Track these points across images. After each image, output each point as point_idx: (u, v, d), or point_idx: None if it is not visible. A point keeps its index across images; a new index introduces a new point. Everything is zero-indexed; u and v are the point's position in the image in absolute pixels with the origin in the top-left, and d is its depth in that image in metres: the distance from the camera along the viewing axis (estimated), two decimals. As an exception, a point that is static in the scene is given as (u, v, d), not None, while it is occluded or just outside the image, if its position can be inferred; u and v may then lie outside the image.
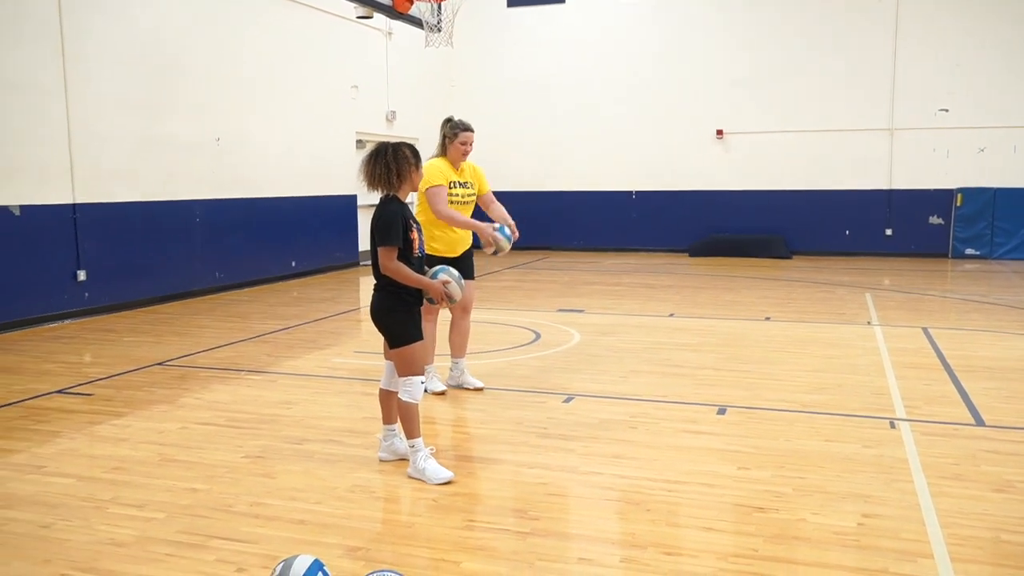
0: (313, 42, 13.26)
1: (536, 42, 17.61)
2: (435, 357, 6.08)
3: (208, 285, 11.15)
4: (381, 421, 4.57)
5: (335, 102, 13.90)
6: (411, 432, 4.28)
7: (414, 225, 4.34)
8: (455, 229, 5.72)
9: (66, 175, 9.13)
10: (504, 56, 17.80)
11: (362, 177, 4.32)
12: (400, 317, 4.27)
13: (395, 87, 15.55)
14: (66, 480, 4.29)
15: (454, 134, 5.64)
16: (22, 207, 8.66)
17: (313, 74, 13.27)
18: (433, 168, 5.59)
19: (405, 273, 4.21)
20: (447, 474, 4.22)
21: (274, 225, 12.47)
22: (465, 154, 5.68)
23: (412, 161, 4.34)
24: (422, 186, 5.44)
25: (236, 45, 11.57)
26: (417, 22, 10.64)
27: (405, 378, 4.28)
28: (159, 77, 10.29)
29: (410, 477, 4.28)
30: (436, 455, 4.39)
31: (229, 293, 11.31)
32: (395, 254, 4.19)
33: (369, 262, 4.42)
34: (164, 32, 10.37)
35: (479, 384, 6.03)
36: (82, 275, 9.30)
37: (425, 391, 5.61)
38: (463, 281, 4.60)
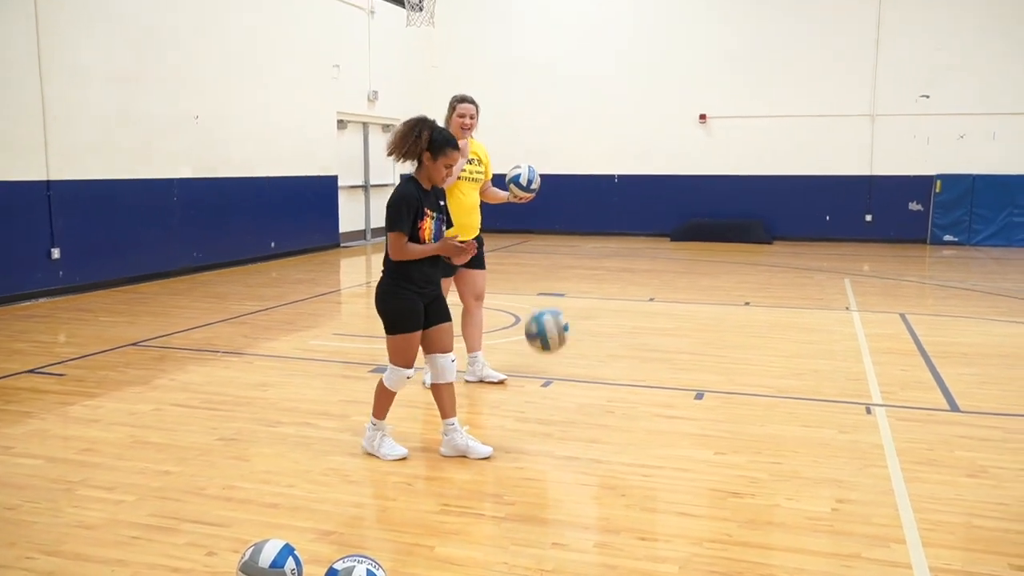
0: (294, 20, 13.08)
1: (519, 24, 17.48)
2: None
3: (185, 265, 11.03)
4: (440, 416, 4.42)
5: (316, 81, 13.74)
6: (378, 412, 4.32)
7: (430, 213, 4.16)
8: (469, 213, 5.47)
9: (40, 151, 8.96)
10: (487, 38, 17.65)
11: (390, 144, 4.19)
12: (397, 305, 4.17)
13: (377, 67, 15.39)
14: (35, 461, 4.23)
15: (452, 107, 5.52)
16: (-6, 184, 8.51)
17: (294, 53, 13.10)
18: None
19: (414, 251, 4.09)
20: (401, 451, 4.28)
21: (253, 205, 12.34)
22: (465, 127, 5.42)
23: (427, 145, 4.09)
24: None
25: (216, 21, 11.39)
26: (399, 1, 10.52)
27: (392, 366, 4.25)
28: (137, 52, 10.12)
29: (364, 451, 4.33)
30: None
31: (207, 273, 11.20)
32: (403, 239, 4.06)
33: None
34: (143, 6, 10.18)
35: (501, 376, 5.80)
36: (56, 253, 9.16)
37: (424, 384, 5.48)
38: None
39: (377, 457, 4.28)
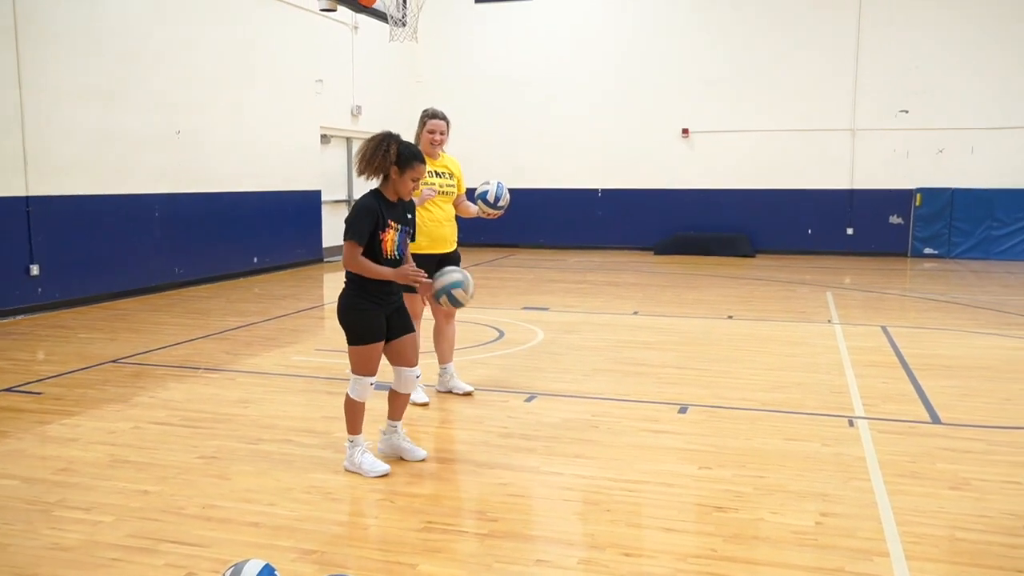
0: (277, 35, 13.07)
1: (503, 39, 17.55)
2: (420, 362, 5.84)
3: (167, 281, 10.94)
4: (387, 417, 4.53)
5: (299, 96, 13.72)
6: (351, 428, 4.30)
7: (394, 225, 4.17)
8: (440, 226, 5.48)
9: (19, 167, 8.88)
10: (471, 53, 17.71)
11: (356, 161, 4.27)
12: (358, 316, 4.18)
13: (361, 82, 15.39)
14: (10, 482, 4.16)
15: (423, 122, 5.54)
16: (-28, 200, 8.43)
17: (277, 67, 13.08)
18: None
19: (367, 267, 4.10)
20: (384, 467, 4.28)
21: (236, 220, 12.27)
22: (435, 143, 5.46)
23: (394, 159, 4.14)
24: None
25: (198, 36, 11.36)
26: (382, 16, 10.53)
27: (354, 376, 4.24)
28: (118, 67, 10.06)
29: (347, 471, 4.30)
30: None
31: (188, 289, 11.12)
32: (357, 250, 4.09)
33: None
34: (124, 21, 10.14)
35: (469, 388, 5.81)
36: (35, 269, 9.06)
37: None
38: (469, 284, 4.58)
39: (360, 475, 4.25)
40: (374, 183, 4.28)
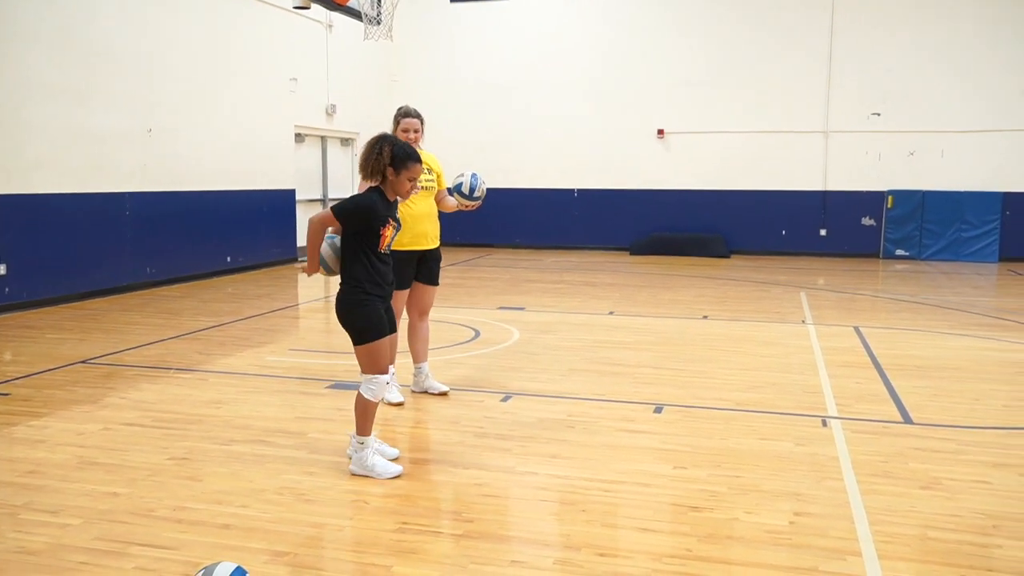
0: (251, 33, 12.95)
1: (479, 39, 17.52)
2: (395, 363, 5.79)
3: (138, 280, 10.80)
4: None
5: (273, 94, 13.60)
6: (362, 429, 4.23)
7: (393, 224, 4.20)
8: (420, 222, 5.43)
9: (-14, 164, 8.73)
10: (447, 52, 17.66)
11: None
12: (361, 311, 4.14)
13: (335, 80, 15.29)
14: (-24, 485, 4.08)
15: (397, 121, 5.53)
16: (-63, 197, 8.26)
17: (250, 65, 12.96)
18: None
19: (312, 234, 4.16)
20: (396, 468, 4.23)
21: (208, 219, 12.14)
22: (409, 141, 5.46)
23: (389, 161, 4.16)
24: None
25: (171, 34, 11.22)
26: (356, 14, 10.47)
27: (366, 376, 4.19)
28: (88, 63, 9.92)
29: (353, 475, 4.21)
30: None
31: (160, 289, 10.98)
32: (328, 221, 4.12)
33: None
34: (96, 18, 9.99)
35: (444, 388, 5.78)
36: (2, 269, 8.90)
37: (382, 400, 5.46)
38: (336, 253, 4.23)
39: (371, 477, 4.17)
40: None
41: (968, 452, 4.67)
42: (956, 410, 5.54)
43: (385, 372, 4.22)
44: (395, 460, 4.39)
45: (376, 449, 4.33)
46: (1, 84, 8.80)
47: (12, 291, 9.04)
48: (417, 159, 4.25)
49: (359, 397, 4.23)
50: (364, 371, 4.21)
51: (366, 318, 4.15)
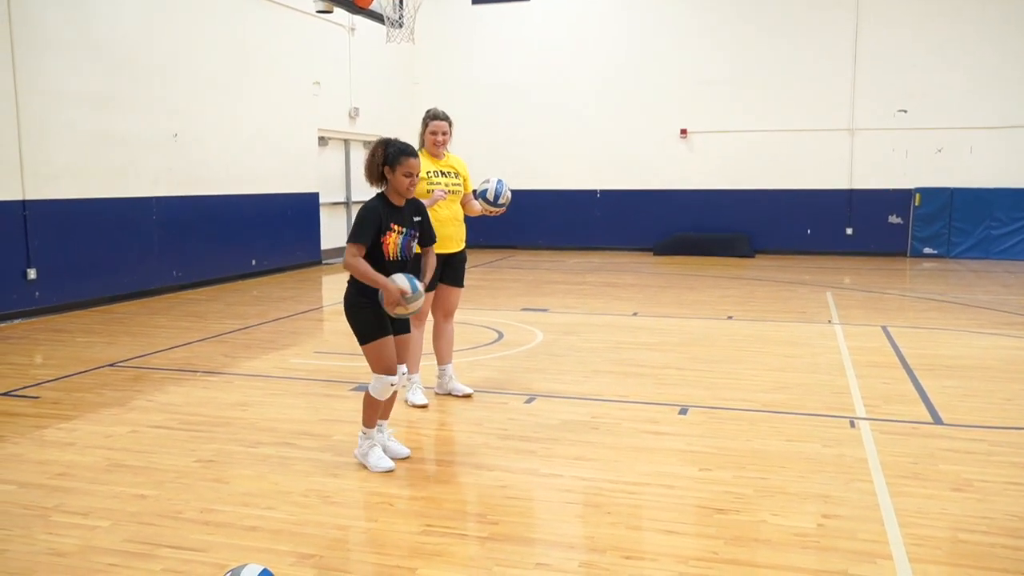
0: (274, 37, 13.05)
1: (501, 41, 17.53)
2: (420, 365, 5.79)
3: (165, 284, 10.92)
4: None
5: (297, 98, 13.70)
6: (366, 421, 4.37)
7: (397, 228, 4.19)
8: (445, 226, 5.40)
9: (15, 171, 8.85)
10: (468, 54, 17.69)
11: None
12: (358, 313, 4.23)
13: (358, 84, 15.37)
14: (7, 487, 4.13)
15: (425, 123, 5.53)
16: (-31, 203, 8.39)
17: (274, 70, 13.06)
18: None
19: (363, 270, 4.12)
20: (388, 464, 4.32)
21: (234, 223, 12.25)
22: (438, 143, 5.44)
23: (382, 160, 4.21)
24: None
25: (195, 39, 11.34)
26: (378, 17, 10.52)
27: (375, 375, 4.27)
28: (115, 71, 10.04)
29: (355, 457, 4.42)
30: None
31: (187, 292, 11.09)
32: (359, 251, 4.13)
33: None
34: (121, 25, 10.12)
35: (468, 390, 5.78)
36: (32, 274, 9.04)
37: (406, 402, 5.51)
38: (421, 292, 4.17)
39: (366, 467, 4.31)
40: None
41: (1000, 453, 4.59)
42: (987, 410, 5.45)
43: (390, 372, 4.26)
44: (405, 459, 4.46)
45: (384, 444, 4.46)
46: (29, 92, 8.93)
47: (42, 295, 9.17)
48: (411, 154, 4.22)
49: (366, 393, 4.35)
50: (372, 370, 4.31)
51: (360, 322, 4.24)
